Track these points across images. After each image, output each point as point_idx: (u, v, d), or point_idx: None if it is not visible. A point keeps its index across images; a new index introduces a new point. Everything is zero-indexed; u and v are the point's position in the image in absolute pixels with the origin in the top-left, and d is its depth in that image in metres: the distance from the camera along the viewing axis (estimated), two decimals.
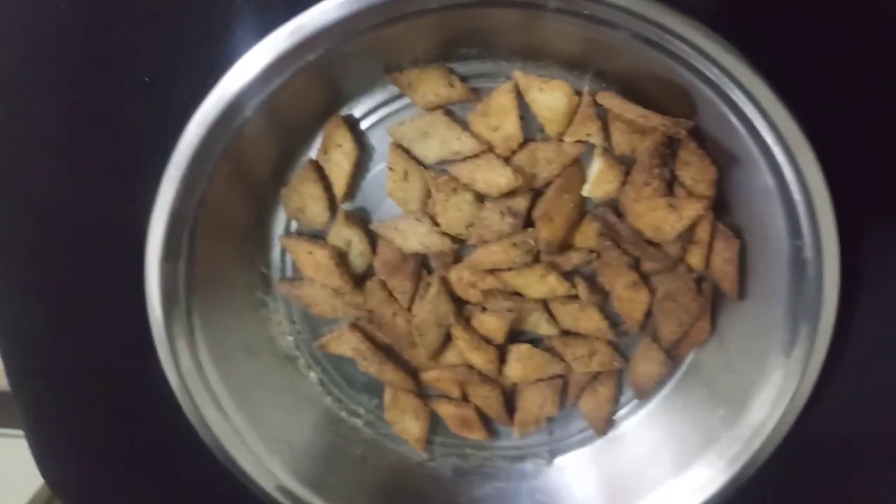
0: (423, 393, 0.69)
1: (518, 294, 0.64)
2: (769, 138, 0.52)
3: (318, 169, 0.62)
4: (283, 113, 0.57)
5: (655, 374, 0.66)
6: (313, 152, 0.62)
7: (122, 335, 0.66)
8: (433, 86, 0.58)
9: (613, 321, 0.65)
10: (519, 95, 0.58)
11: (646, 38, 0.51)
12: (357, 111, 0.61)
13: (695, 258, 0.62)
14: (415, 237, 0.62)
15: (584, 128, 0.58)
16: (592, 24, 0.51)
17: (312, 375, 0.70)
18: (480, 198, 0.61)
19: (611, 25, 0.51)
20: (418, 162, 0.61)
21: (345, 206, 0.64)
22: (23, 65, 0.58)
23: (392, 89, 0.60)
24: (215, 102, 0.53)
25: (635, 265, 0.63)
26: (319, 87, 0.58)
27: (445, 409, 0.69)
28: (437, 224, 0.61)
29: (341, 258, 0.63)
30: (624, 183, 0.60)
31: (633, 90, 0.58)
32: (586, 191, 0.60)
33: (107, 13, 0.56)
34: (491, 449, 0.72)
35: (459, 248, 0.63)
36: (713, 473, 0.62)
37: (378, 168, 0.63)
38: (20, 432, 0.72)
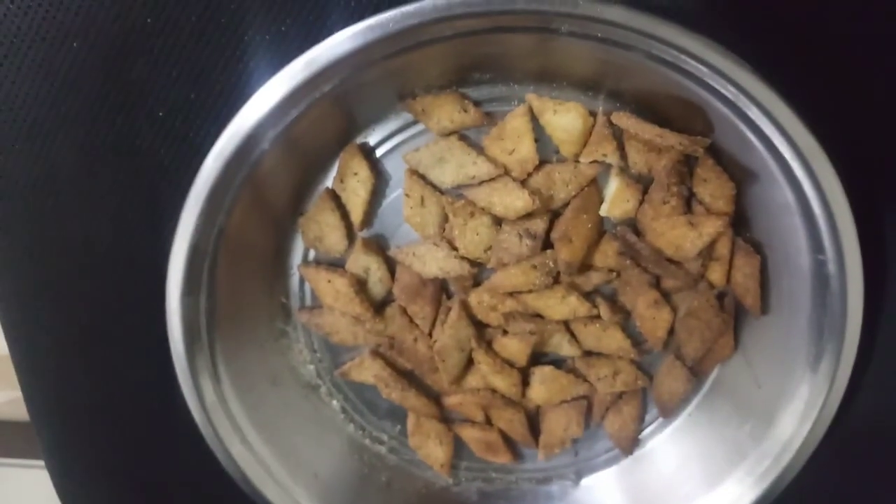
0: (446, 418, 0.69)
1: (539, 316, 0.64)
2: (787, 154, 0.52)
3: (334, 197, 0.62)
4: (299, 143, 0.58)
5: (680, 391, 0.65)
6: (330, 181, 0.63)
7: (145, 368, 0.66)
8: (447, 111, 0.59)
9: (636, 340, 0.65)
10: (533, 118, 0.59)
11: (660, 59, 0.51)
12: (372, 139, 0.62)
13: (716, 275, 0.61)
14: (433, 262, 0.62)
15: (600, 148, 0.58)
16: (606, 45, 0.51)
17: (335, 403, 0.70)
18: (498, 221, 0.61)
19: (625, 47, 0.51)
20: (434, 187, 0.61)
21: (362, 234, 0.64)
22: (40, 104, 0.59)
23: (406, 116, 0.61)
24: (232, 136, 0.53)
25: (656, 283, 0.62)
26: (335, 116, 0.59)
27: (469, 434, 0.69)
28: (455, 248, 0.61)
29: (360, 285, 0.63)
30: (642, 202, 0.60)
31: (648, 109, 0.58)
32: (604, 210, 0.60)
33: (120, 49, 0.57)
34: (516, 472, 0.71)
35: (479, 272, 0.63)
36: (742, 490, 0.61)
37: (395, 194, 0.63)
38: (42, 463, 0.72)
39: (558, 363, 0.67)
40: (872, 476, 0.67)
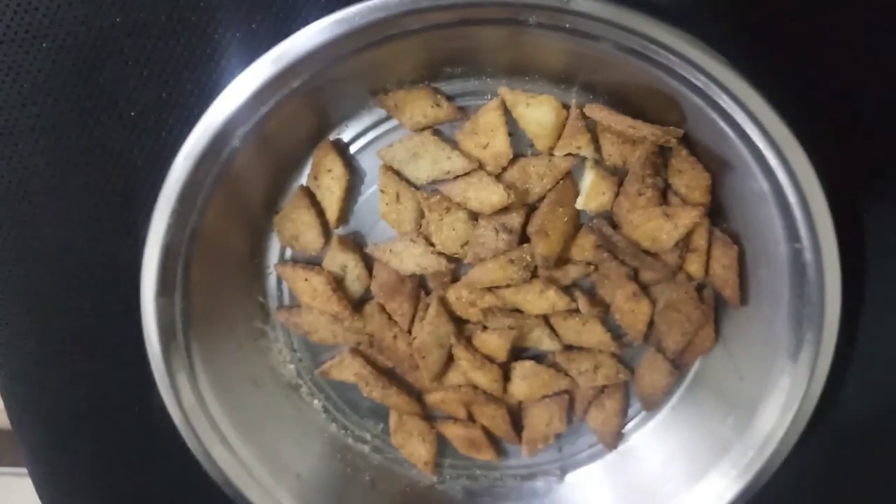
0: (428, 415, 0.69)
1: (518, 311, 0.63)
2: (760, 142, 0.52)
3: (309, 195, 0.62)
4: (272, 141, 0.58)
5: (662, 384, 0.65)
6: (304, 179, 0.62)
7: (125, 372, 0.65)
8: (420, 106, 0.58)
9: (616, 333, 0.65)
10: (507, 112, 0.58)
11: (629, 49, 0.51)
12: (346, 135, 0.61)
13: (694, 266, 0.61)
14: (410, 258, 0.61)
15: (574, 141, 0.58)
16: (575, 37, 0.51)
17: (316, 403, 0.69)
18: (474, 216, 0.61)
19: (594, 38, 0.51)
20: (410, 183, 0.60)
21: (339, 231, 0.63)
22: (10, 107, 0.58)
23: (380, 112, 0.60)
24: (202, 134, 0.53)
25: (634, 276, 0.62)
26: (307, 113, 0.58)
27: (452, 431, 0.68)
28: (432, 244, 0.61)
29: (338, 283, 0.63)
30: (617, 194, 0.60)
31: (621, 101, 0.58)
32: (580, 203, 0.60)
33: (90, 50, 0.57)
34: (500, 469, 0.71)
35: (456, 268, 0.63)
36: (727, 483, 0.60)
37: (370, 191, 0.63)
38: (24, 470, 0.72)
39: (539, 358, 0.66)
40: (856, 469, 0.66)
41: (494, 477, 0.71)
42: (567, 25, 0.50)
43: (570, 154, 0.59)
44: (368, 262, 0.64)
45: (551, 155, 0.59)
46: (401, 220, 0.61)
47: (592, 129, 0.59)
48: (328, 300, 0.62)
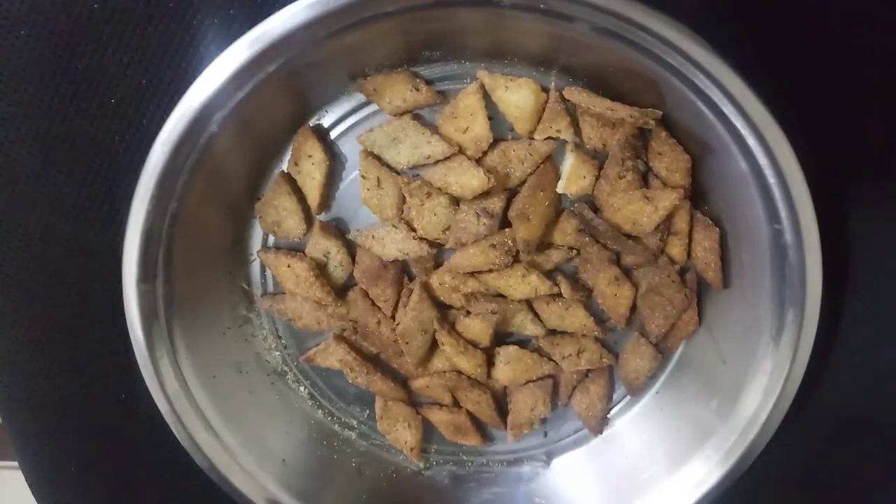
0: (414, 401, 0.69)
1: (501, 296, 0.63)
2: (739, 123, 0.52)
3: (290, 181, 0.62)
4: (251, 126, 0.57)
5: (646, 368, 0.65)
6: (285, 165, 0.62)
7: (110, 360, 0.66)
8: (399, 90, 0.58)
9: (599, 318, 0.64)
10: (486, 96, 0.58)
11: (605, 30, 0.51)
12: (326, 121, 0.61)
13: (676, 249, 0.61)
14: (393, 244, 0.61)
15: (554, 124, 0.58)
16: (551, 18, 0.51)
17: (302, 390, 0.69)
18: (455, 201, 0.60)
19: (569, 19, 0.50)
20: (391, 168, 0.60)
21: (321, 217, 0.63)
22: None
23: (359, 97, 0.60)
24: (179, 119, 0.53)
25: (616, 260, 0.62)
26: (286, 98, 0.58)
27: (438, 417, 0.68)
28: (413, 230, 0.61)
29: (320, 270, 0.63)
30: (598, 177, 0.59)
31: (601, 84, 0.58)
32: (561, 187, 0.60)
33: (70, 38, 0.57)
34: (487, 454, 0.71)
35: (439, 253, 0.63)
36: (710, 468, 0.60)
37: (351, 177, 0.63)
38: (15, 464, 0.72)
39: (523, 343, 0.66)
40: (838, 457, 0.66)
41: (481, 462, 0.71)
42: (541, 6, 0.50)
43: (550, 138, 0.59)
44: (351, 249, 0.64)
45: (531, 139, 0.59)
46: (382, 206, 0.61)
47: (572, 113, 0.58)
48: (311, 286, 0.62)
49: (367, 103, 0.61)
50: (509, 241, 0.60)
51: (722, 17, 0.54)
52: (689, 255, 0.61)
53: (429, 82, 0.59)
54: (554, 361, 0.66)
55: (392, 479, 0.70)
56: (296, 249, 0.64)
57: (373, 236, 0.62)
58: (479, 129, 0.58)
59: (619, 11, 0.49)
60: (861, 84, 0.56)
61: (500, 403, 0.68)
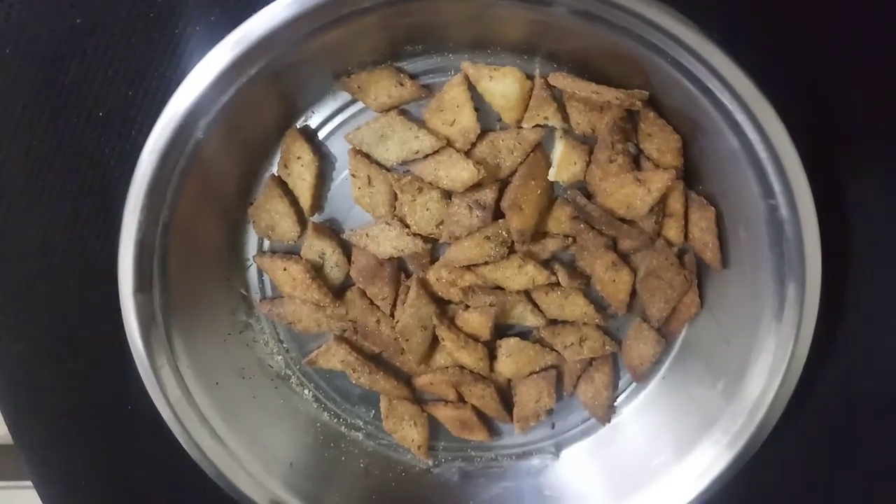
0: (419, 399, 0.69)
1: (499, 288, 0.63)
2: (726, 99, 0.51)
3: (281, 184, 0.62)
4: (238, 131, 0.57)
5: (650, 354, 0.64)
6: (275, 168, 0.62)
7: (113, 370, 0.66)
8: (384, 87, 0.58)
9: (600, 305, 0.64)
10: (471, 87, 0.58)
11: (584, 12, 0.50)
12: (313, 122, 0.61)
13: (672, 231, 0.60)
14: (387, 242, 0.61)
15: (541, 111, 0.58)
16: (529, 4, 0.50)
17: (307, 393, 0.69)
18: (447, 194, 0.60)
19: (547, 3, 0.50)
20: (380, 165, 0.60)
21: (314, 219, 0.63)
22: None
23: (345, 96, 0.60)
24: (164, 127, 0.53)
25: (613, 245, 0.61)
26: (272, 101, 0.58)
27: (443, 413, 0.68)
28: (407, 226, 0.61)
29: (317, 271, 0.63)
30: (589, 163, 0.59)
31: (586, 69, 0.58)
32: (552, 175, 0.59)
33: (54, 53, 0.57)
34: (495, 449, 0.70)
35: (434, 248, 0.63)
36: (718, 451, 0.60)
37: (342, 176, 0.62)
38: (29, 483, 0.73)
39: (524, 335, 0.66)
40: (844, 443, 0.65)
41: (489, 457, 0.70)
42: None
43: (538, 125, 0.58)
44: (347, 249, 0.64)
45: (519, 127, 0.59)
46: (374, 204, 0.61)
47: (559, 99, 0.58)
48: (308, 288, 0.62)
49: (352, 102, 0.60)
50: (503, 233, 0.60)
51: None
52: (686, 236, 0.61)
53: (413, 77, 0.59)
54: (556, 351, 0.65)
55: (401, 479, 0.70)
56: (291, 252, 0.64)
57: (367, 235, 0.62)
58: (467, 120, 0.58)
59: None
60: (851, 56, 0.56)
61: (505, 397, 0.68)
